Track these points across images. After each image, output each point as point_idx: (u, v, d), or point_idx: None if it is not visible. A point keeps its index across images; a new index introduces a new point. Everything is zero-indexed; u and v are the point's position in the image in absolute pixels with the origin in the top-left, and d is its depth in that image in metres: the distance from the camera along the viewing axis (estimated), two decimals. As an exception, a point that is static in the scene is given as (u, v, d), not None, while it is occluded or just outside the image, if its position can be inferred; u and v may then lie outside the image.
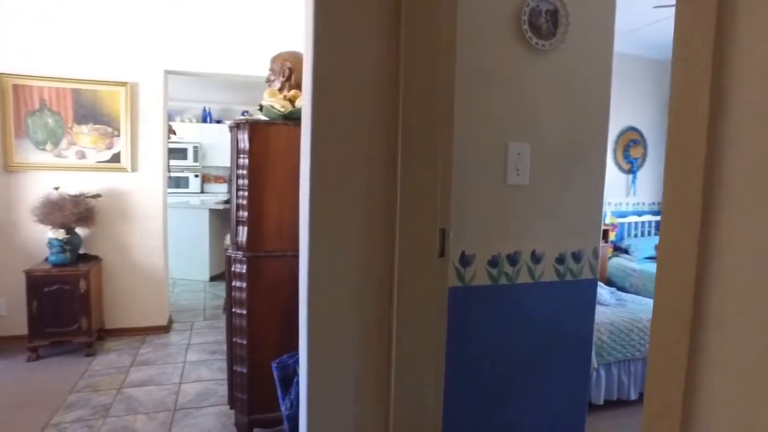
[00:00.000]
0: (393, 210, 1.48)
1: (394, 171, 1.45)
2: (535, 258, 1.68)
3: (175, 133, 6.91)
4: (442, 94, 1.46)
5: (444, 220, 1.49)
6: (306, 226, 1.43)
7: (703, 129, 0.67)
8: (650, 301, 3.63)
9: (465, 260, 1.59)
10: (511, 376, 1.71)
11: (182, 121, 8.28)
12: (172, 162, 7.05)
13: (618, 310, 3.35)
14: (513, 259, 1.65)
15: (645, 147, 5.98)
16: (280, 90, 2.50)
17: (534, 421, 1.77)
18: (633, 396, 3.20)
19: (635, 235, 5.96)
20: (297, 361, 1.82)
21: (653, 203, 6.14)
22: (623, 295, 3.83)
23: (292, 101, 2.42)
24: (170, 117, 7.83)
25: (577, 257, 1.74)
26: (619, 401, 3.16)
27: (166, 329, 4.25)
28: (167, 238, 4.52)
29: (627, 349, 3.16)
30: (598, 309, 3.31)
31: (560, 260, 1.72)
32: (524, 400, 1.74)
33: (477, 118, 1.57)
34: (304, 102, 1.51)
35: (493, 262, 1.63)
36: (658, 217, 6.07)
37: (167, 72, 4.17)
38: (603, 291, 3.77)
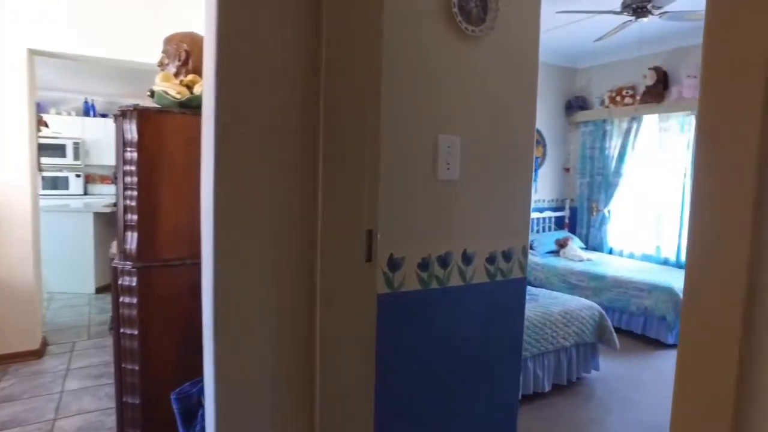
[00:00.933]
0: (313, 211, 1.29)
1: (313, 167, 1.26)
2: (467, 258, 1.58)
3: (47, 126, 6.07)
4: (367, 83, 1.29)
5: (371, 221, 1.33)
6: (209, 230, 1.19)
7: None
8: (559, 295, 3.74)
9: (394, 264, 1.44)
10: (442, 383, 1.59)
11: (58, 113, 7.35)
12: (46, 160, 6.20)
13: (530, 305, 3.41)
14: (444, 261, 1.53)
15: (545, 147, 6.28)
16: (176, 75, 2.19)
17: (465, 426, 1.67)
18: (547, 388, 3.27)
19: (537, 231, 6.23)
20: (201, 390, 1.56)
21: (552, 200, 6.47)
22: (533, 289, 3.93)
23: (189, 87, 2.12)
24: (42, 108, 6.90)
25: (507, 256, 1.67)
26: (535, 394, 3.21)
27: (37, 354, 3.65)
28: (40, 247, 3.91)
29: (541, 343, 3.21)
30: (513, 305, 3.34)
31: (491, 260, 1.63)
32: (456, 406, 1.63)
33: (406, 109, 1.43)
34: (205, 89, 1.27)
35: (424, 265, 1.49)
36: (557, 213, 6.41)
37: (32, 52, 3.56)
38: (514, 286, 3.84)
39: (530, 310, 3.31)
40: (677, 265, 5.30)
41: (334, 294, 1.31)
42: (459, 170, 1.52)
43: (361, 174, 1.29)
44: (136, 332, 2.02)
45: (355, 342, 1.34)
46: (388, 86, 1.35)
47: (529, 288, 3.94)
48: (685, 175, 5.25)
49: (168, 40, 2.29)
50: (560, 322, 3.34)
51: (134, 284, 2.02)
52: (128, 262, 2.02)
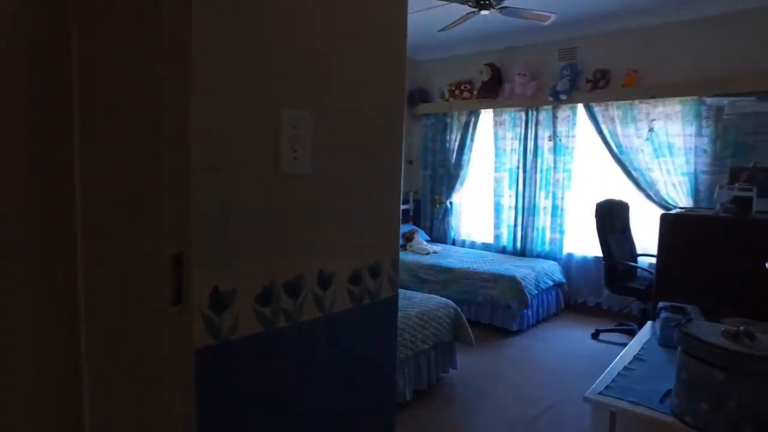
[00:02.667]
0: (68, 229, 0.76)
1: (64, 162, 0.73)
2: (324, 281, 1.16)
3: None
4: (160, 25, 0.79)
5: (178, 240, 0.83)
6: None
7: None
8: (414, 294, 3.54)
9: (220, 301, 0.96)
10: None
11: None
12: None
13: (387, 309, 3.13)
14: (294, 288, 1.10)
15: (388, 139, 6.13)
16: None
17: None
18: (408, 396, 3.04)
19: (384, 225, 6.08)
20: None
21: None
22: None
23: None
24: None
25: (375, 271, 1.29)
26: (397, 405, 2.95)
27: None
28: None
29: (401, 350, 2.95)
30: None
31: (355, 279, 1.24)
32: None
33: (231, 70, 0.95)
34: None
35: (265, 297, 1.04)
36: (402, 207, 6.33)
37: None
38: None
39: (387, 315, 3.04)
40: (514, 252, 5.57)
41: (116, 360, 0.80)
42: (311, 160, 1.09)
43: (156, 173, 0.79)
44: None
45: (156, 437, 0.83)
46: (202, 36, 0.86)
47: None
48: (518, 168, 5.51)
49: None
50: (418, 324, 3.12)
51: None
52: None
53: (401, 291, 3.64)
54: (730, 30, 4.23)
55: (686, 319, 1.39)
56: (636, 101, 4.69)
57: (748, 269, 2.41)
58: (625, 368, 1.67)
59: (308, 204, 1.10)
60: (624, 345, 4.23)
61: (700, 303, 2.38)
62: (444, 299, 3.49)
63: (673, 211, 3.00)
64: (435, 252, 5.49)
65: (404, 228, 5.94)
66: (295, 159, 1.06)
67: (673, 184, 4.56)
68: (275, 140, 1.02)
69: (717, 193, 2.67)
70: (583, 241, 5.20)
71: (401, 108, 1.35)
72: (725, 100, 3.63)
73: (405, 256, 5.30)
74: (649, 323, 2.19)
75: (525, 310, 4.41)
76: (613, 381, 1.54)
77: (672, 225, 2.59)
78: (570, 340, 4.32)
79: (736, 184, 2.61)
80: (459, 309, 3.49)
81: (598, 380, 1.55)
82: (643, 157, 4.67)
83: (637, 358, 1.76)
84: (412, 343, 3.03)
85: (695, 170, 4.42)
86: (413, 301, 3.33)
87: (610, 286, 4.19)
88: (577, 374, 3.59)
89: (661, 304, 2.11)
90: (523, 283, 4.41)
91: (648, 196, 4.66)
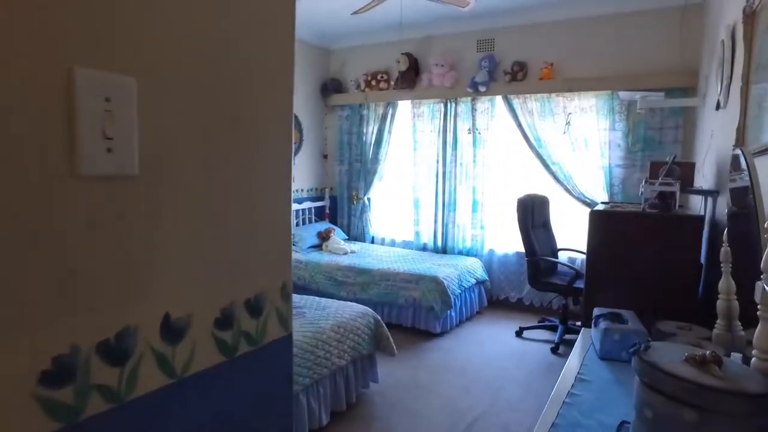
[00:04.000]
0: None
1: None
2: (171, 332, 0.78)
3: None
4: None
5: None
6: None
7: None
8: (329, 303, 3.18)
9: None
10: None
11: None
12: None
13: (298, 324, 2.76)
14: (118, 350, 0.71)
15: (300, 131, 5.72)
16: None
17: None
18: (325, 420, 2.69)
19: (297, 224, 5.68)
20: None
21: (311, 189, 5.99)
22: (299, 299, 3.29)
23: None
24: None
25: (255, 307, 0.93)
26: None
27: None
28: None
29: (314, 370, 2.60)
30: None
31: (224, 322, 0.87)
32: None
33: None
34: None
35: (65, 371, 0.64)
36: (317, 204, 5.95)
37: None
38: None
39: (299, 330, 2.67)
40: (435, 250, 5.38)
41: None
42: (139, 153, 0.70)
43: None
44: None
45: None
46: None
47: (294, 297, 3.29)
48: (437, 162, 5.32)
49: None
50: (334, 339, 2.78)
51: None
52: None
53: (313, 299, 3.29)
54: (642, 28, 4.27)
55: (643, 344, 1.16)
56: (553, 94, 4.64)
57: (675, 266, 2.30)
58: (569, 394, 1.43)
59: (136, 221, 0.72)
60: (547, 342, 4.19)
61: (633, 304, 2.24)
62: (362, 307, 3.17)
63: (601, 207, 2.88)
64: (353, 251, 5.17)
65: (321, 226, 5.57)
66: (110, 152, 0.67)
67: (590, 178, 4.57)
68: (69, 121, 0.63)
69: (642, 188, 2.56)
70: (504, 237, 5.11)
71: (288, 67, 0.99)
72: (638, 95, 3.61)
73: (321, 257, 4.94)
74: (583, 331, 2.00)
75: (449, 311, 4.21)
76: (558, 415, 1.29)
77: (600, 221, 2.44)
78: (494, 339, 4.18)
79: (659, 179, 2.50)
80: (379, 318, 3.18)
81: (542, 414, 1.29)
82: (561, 151, 4.64)
83: (580, 378, 1.54)
84: (327, 361, 2.69)
85: (610, 164, 4.44)
86: (327, 312, 2.98)
87: (533, 283, 4.09)
88: (504, 377, 3.43)
89: (596, 311, 1.92)
90: (446, 282, 4.20)
91: (566, 190, 4.64)
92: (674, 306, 2.30)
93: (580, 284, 3.88)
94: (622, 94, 3.75)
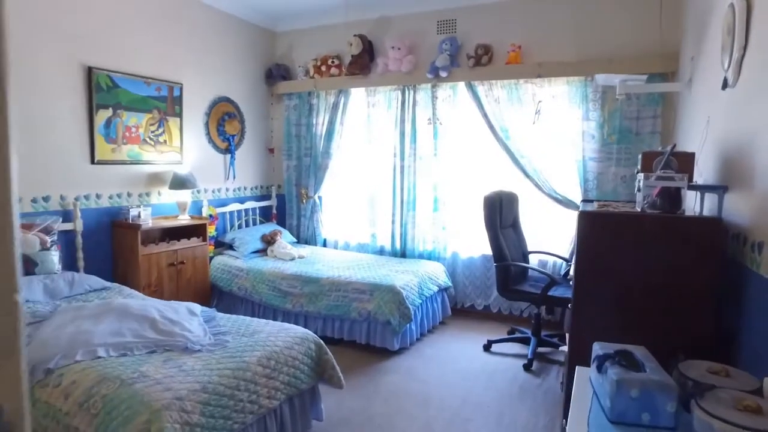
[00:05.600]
0: None
1: None
2: None
3: None
4: None
5: None
6: None
7: None
8: (258, 325, 2.59)
9: None
10: None
11: None
12: None
13: (215, 359, 2.16)
14: None
15: (242, 122, 5.08)
16: None
17: None
18: (248, 483, 2.11)
19: (240, 226, 5.03)
20: None
21: (256, 187, 5.35)
22: (223, 321, 2.68)
23: None
24: None
25: None
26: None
27: None
28: None
29: (233, 418, 2.01)
30: (185, 365, 2.05)
31: None
32: None
33: None
34: None
35: None
36: (263, 203, 5.32)
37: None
38: (193, 323, 2.52)
39: (214, 369, 2.07)
40: (393, 253, 4.85)
41: None
42: None
43: None
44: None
45: None
46: None
47: (215, 320, 2.68)
48: (395, 156, 4.79)
49: None
50: (262, 374, 2.20)
51: None
52: None
53: (240, 319, 2.68)
54: (618, 7, 3.86)
55: (695, 392, 0.67)
56: (521, 80, 4.19)
57: (686, 280, 1.84)
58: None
59: None
60: (518, 357, 3.74)
61: (634, 327, 1.77)
62: (302, 331, 2.59)
63: (590, 207, 2.41)
64: (301, 257, 4.58)
65: (266, 228, 4.95)
66: None
67: (562, 173, 4.14)
68: None
69: (640, 183, 2.10)
70: (468, 239, 4.63)
71: None
72: (617, 79, 3.19)
73: (264, 264, 4.33)
74: (579, 372, 1.51)
75: (408, 324, 3.69)
76: None
77: (590, 224, 1.97)
78: (460, 355, 3.69)
79: (659, 172, 2.05)
80: (321, 342, 2.62)
81: None
82: (531, 143, 4.20)
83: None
84: (253, 405, 2.10)
85: (584, 157, 4.03)
86: (256, 339, 2.39)
87: (503, 291, 3.62)
88: (472, 404, 2.94)
89: (598, 348, 1.43)
90: (404, 293, 3.68)
91: (536, 185, 4.20)
92: (687, 332, 1.84)
93: (555, 292, 3.45)
94: (600, 78, 3.32)
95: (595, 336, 1.64)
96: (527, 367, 3.46)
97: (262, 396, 2.16)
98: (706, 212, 2.33)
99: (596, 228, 1.98)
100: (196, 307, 2.78)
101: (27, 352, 0.47)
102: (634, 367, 1.32)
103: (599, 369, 1.37)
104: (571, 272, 3.08)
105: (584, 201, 2.78)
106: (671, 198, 2.00)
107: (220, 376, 2.01)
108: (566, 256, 4.07)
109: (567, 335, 2.45)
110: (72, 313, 2.56)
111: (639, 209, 2.07)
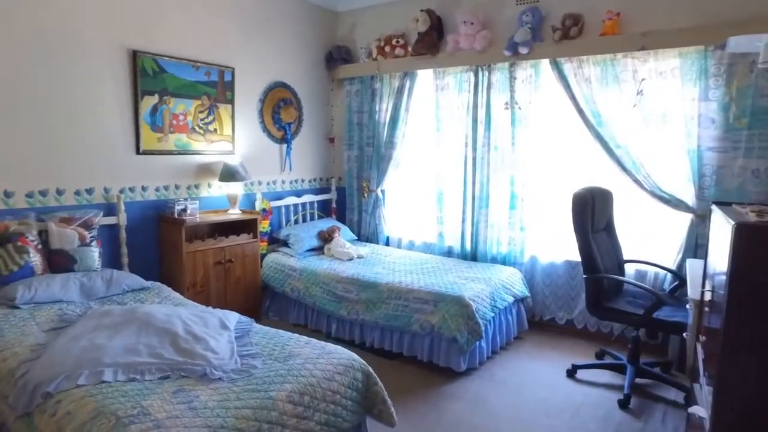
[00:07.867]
0: None
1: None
2: None
3: None
4: None
5: None
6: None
7: None
8: (302, 344, 2.19)
9: None
10: None
11: None
12: None
13: (235, 393, 1.76)
14: None
15: (299, 109, 4.73)
16: None
17: None
18: None
19: (296, 222, 4.70)
20: None
21: (314, 179, 5.00)
22: (257, 338, 2.29)
23: None
24: None
25: None
26: None
27: None
28: None
29: (251, 474, 1.61)
30: (197, 399, 1.66)
31: None
32: None
33: None
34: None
35: None
36: (321, 197, 4.96)
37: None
38: (221, 340, 2.15)
39: (233, 406, 1.68)
40: (462, 256, 4.31)
41: None
42: None
43: None
44: None
45: None
46: None
47: (253, 330, 2.29)
48: (466, 146, 4.24)
49: None
50: (293, 414, 1.78)
51: None
52: None
53: (281, 336, 2.25)
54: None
55: None
56: (619, 55, 3.49)
57: None
58: None
59: None
60: (611, 388, 3.08)
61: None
62: (346, 355, 2.15)
63: (751, 218, 1.77)
64: (360, 257, 4.17)
65: (324, 224, 4.59)
66: None
67: (669, 166, 3.42)
68: None
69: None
70: (550, 242, 4.00)
71: None
72: (758, 42, 2.45)
73: (319, 264, 3.95)
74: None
75: (477, 342, 3.16)
76: None
77: (755, 242, 1.35)
78: (538, 381, 3.11)
79: None
80: (371, 371, 2.16)
81: None
82: (629, 130, 3.50)
83: None
84: (279, 452, 1.69)
85: (699, 146, 3.28)
86: (290, 365, 1.97)
87: (595, 309, 2.99)
88: (555, 454, 2.38)
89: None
90: (474, 305, 3.14)
91: (636, 181, 3.49)
92: None
93: (661, 313, 2.78)
94: (732, 43, 2.60)
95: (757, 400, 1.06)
96: (623, 404, 2.82)
97: (290, 442, 1.74)
98: None
99: (761, 246, 1.37)
100: (232, 319, 2.43)
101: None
102: None
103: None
104: (689, 293, 2.43)
105: (718, 204, 2.10)
106: None
107: (237, 418, 1.61)
108: (672, 267, 3.35)
109: (688, 377, 1.85)
110: (95, 320, 2.29)
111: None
